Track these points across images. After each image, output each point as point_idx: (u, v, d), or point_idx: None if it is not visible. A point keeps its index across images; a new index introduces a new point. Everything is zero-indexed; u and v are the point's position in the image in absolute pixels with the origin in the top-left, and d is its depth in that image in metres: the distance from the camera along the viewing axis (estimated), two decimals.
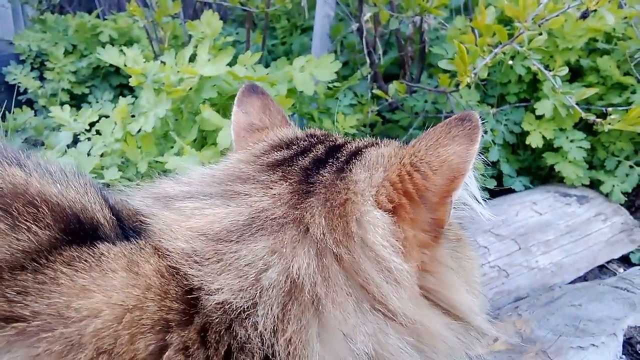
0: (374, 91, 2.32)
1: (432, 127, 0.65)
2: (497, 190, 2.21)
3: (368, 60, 2.39)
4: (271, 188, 0.61)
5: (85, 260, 0.51)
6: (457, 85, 2.14)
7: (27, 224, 0.51)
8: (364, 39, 2.36)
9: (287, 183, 0.61)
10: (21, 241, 0.50)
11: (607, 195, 2.07)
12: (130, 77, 1.75)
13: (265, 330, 0.51)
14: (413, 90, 2.38)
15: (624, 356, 1.32)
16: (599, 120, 1.61)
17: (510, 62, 1.92)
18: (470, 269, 0.67)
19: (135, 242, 0.57)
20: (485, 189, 2.25)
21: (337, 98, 2.23)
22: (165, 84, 1.62)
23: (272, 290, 0.52)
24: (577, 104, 1.85)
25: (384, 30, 2.54)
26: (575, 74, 2.23)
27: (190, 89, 1.62)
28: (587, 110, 1.94)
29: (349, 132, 2.12)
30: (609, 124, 1.57)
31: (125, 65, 1.78)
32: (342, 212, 0.58)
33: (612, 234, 1.93)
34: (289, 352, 0.50)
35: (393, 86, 2.25)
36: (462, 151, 0.60)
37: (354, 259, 0.55)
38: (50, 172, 0.60)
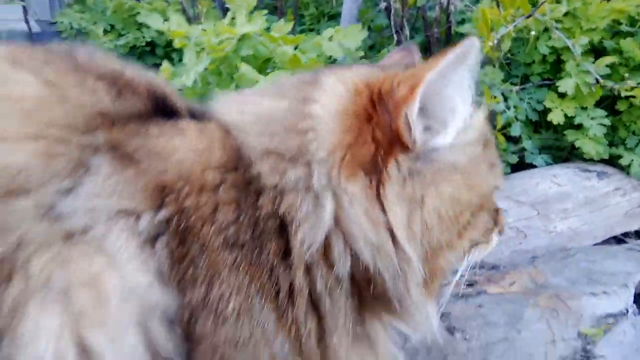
0: None
1: None
2: (519, 166, 2.27)
3: (395, 39, 2.48)
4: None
5: (170, 128, 0.64)
6: (482, 62, 2.22)
7: (128, 95, 0.64)
8: (391, 19, 2.45)
9: None
10: (125, 106, 0.63)
11: (626, 169, 2.12)
12: (163, 54, 1.87)
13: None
14: None
15: (634, 304, 1.38)
16: (617, 86, 1.67)
17: (533, 33, 1.98)
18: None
19: (204, 122, 0.68)
20: (507, 163, 2.32)
21: None
22: (207, 45, 1.73)
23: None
24: (597, 82, 1.90)
25: (411, 12, 2.62)
26: (598, 55, 2.28)
27: (230, 51, 1.73)
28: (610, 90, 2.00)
29: None
30: (630, 90, 1.62)
31: (169, 31, 1.90)
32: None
33: (630, 207, 1.98)
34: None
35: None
36: (435, 62, 0.61)
37: None
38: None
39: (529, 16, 1.65)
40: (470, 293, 1.40)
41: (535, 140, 2.32)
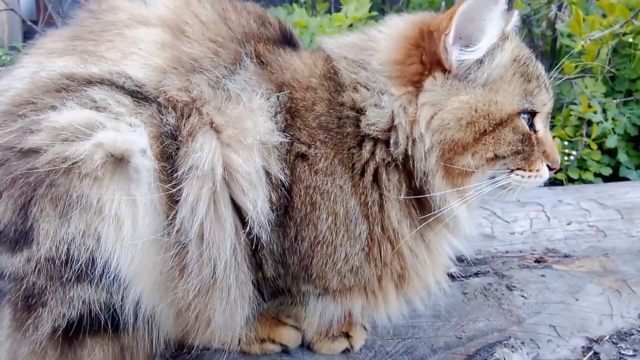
0: None
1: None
2: (611, 178, 2.27)
3: None
4: None
5: (291, 52, 0.93)
6: (583, 70, 2.27)
7: (268, 26, 0.94)
8: None
9: None
10: (266, 33, 0.93)
11: None
12: None
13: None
14: None
15: None
16: None
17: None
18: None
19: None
20: (599, 175, 2.33)
21: None
22: (320, 32, 1.99)
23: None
24: None
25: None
26: None
27: None
28: None
29: None
30: None
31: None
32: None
33: None
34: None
35: None
36: None
37: None
38: None
39: (626, 22, 1.71)
40: (535, 266, 1.48)
41: (632, 156, 2.30)
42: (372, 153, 0.86)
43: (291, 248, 0.84)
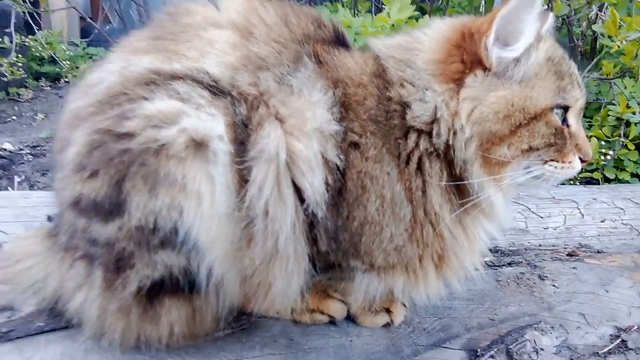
0: None
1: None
2: None
3: None
4: None
5: (345, 52, 1.03)
6: (622, 71, 2.30)
7: (323, 28, 1.05)
8: None
9: None
10: (321, 34, 1.04)
11: None
12: None
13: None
14: None
15: None
16: None
17: None
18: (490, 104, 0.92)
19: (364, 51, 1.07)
20: (636, 175, 2.35)
21: None
22: (363, 31, 2.09)
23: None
24: None
25: (557, 24, 2.74)
26: None
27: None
28: None
29: None
30: None
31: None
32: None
33: None
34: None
35: None
36: (507, 3, 0.89)
37: None
38: None
39: None
40: (567, 259, 1.55)
41: None
42: (417, 143, 0.96)
43: (343, 226, 0.95)
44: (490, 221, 1.04)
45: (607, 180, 2.36)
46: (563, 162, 0.98)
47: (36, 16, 3.23)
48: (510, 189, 1.02)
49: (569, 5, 2.36)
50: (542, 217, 1.82)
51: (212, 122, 0.88)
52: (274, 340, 1.09)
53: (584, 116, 2.62)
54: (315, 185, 0.90)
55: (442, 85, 0.95)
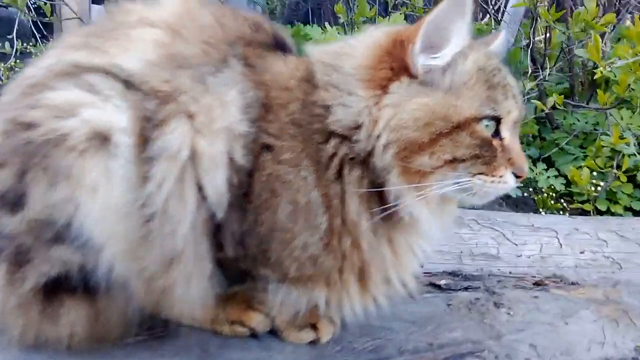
0: (532, 101, 2.48)
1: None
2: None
3: (530, 71, 2.56)
4: None
5: (280, 56, 1.01)
6: (617, 102, 2.22)
7: (261, 31, 1.03)
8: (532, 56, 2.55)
9: None
10: (258, 37, 1.02)
11: None
12: None
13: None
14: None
15: None
16: None
17: None
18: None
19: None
20: (630, 209, 2.25)
21: None
22: None
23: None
24: None
25: (554, 52, 2.68)
26: None
27: None
28: None
29: None
30: None
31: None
32: None
33: None
34: None
35: (552, 98, 2.39)
36: (434, 10, 0.86)
37: None
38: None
39: None
40: (532, 288, 1.46)
41: None
42: (337, 149, 0.91)
43: (250, 231, 0.90)
44: (415, 235, 0.98)
45: (599, 212, 2.26)
46: (493, 176, 0.92)
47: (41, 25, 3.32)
48: (441, 202, 0.96)
49: (564, 33, 2.31)
50: (516, 245, 1.74)
51: (117, 115, 0.86)
52: (188, 350, 1.03)
53: (580, 147, 2.53)
54: (216, 183, 0.87)
55: (367, 91, 0.91)
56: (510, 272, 1.62)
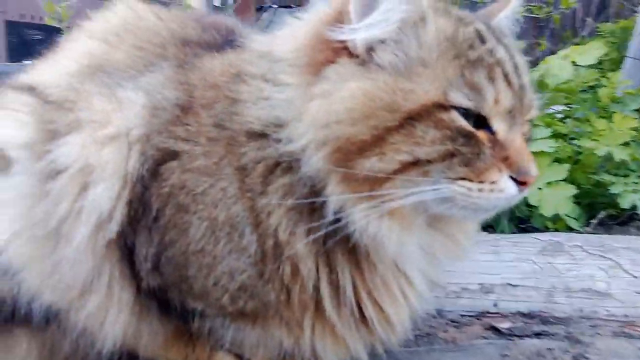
0: None
1: None
2: None
3: None
4: None
5: (219, 54, 0.87)
6: None
7: (212, 31, 0.93)
8: None
9: None
10: (204, 38, 0.91)
11: None
12: None
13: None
14: None
15: None
16: None
17: None
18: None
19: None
20: None
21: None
22: None
23: None
24: None
25: None
26: None
27: None
28: None
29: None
30: None
31: None
32: None
33: None
34: None
35: None
36: None
37: None
38: None
39: None
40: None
41: None
42: (261, 152, 0.74)
43: (159, 254, 0.76)
44: (386, 263, 0.74)
45: None
46: (480, 181, 0.66)
47: None
48: (433, 219, 0.72)
49: None
50: (636, 277, 1.30)
51: (17, 131, 0.81)
52: None
53: None
54: (104, 196, 0.75)
55: (300, 78, 0.72)
56: (625, 315, 1.21)
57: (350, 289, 0.75)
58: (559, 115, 2.04)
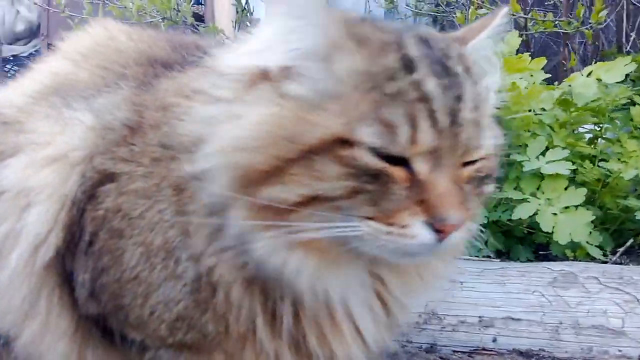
0: None
1: None
2: None
3: None
4: None
5: (179, 72, 0.84)
6: None
7: (181, 51, 0.90)
8: None
9: None
10: (173, 57, 0.89)
11: None
12: None
13: None
14: None
15: None
16: None
17: None
18: None
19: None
20: None
21: None
22: None
23: None
24: None
25: None
26: None
27: None
28: None
29: None
30: None
31: None
32: None
33: None
34: None
35: None
36: None
37: None
38: None
39: None
40: None
41: None
42: (191, 169, 0.69)
43: (95, 280, 0.74)
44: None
45: None
46: (389, 223, 0.60)
47: None
48: (347, 250, 0.65)
49: None
50: None
51: None
52: None
53: None
54: (38, 219, 0.74)
55: (235, 94, 0.67)
56: None
57: (290, 319, 0.70)
58: (588, 135, 1.91)
